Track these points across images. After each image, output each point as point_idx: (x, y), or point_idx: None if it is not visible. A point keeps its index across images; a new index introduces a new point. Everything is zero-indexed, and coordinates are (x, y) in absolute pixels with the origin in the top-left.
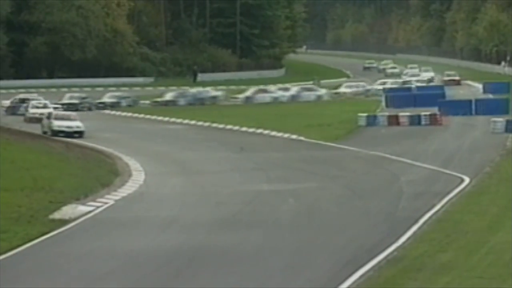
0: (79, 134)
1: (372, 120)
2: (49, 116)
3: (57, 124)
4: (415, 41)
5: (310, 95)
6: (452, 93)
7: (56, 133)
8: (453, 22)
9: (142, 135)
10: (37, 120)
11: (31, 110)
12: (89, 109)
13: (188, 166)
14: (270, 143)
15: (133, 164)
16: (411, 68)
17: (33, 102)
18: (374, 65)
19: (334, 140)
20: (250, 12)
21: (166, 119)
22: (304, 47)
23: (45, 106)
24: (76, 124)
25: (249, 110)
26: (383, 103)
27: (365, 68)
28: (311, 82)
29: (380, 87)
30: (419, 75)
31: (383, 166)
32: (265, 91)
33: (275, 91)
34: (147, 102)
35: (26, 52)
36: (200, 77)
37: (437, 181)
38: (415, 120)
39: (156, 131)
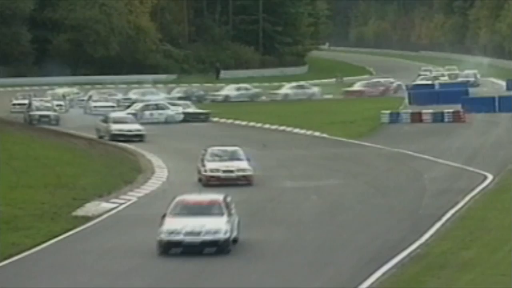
0: (140, 137)
1: (395, 117)
2: (106, 119)
3: (116, 127)
4: (438, 38)
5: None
6: (476, 90)
7: (115, 137)
8: (476, 19)
9: (164, 132)
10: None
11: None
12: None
13: None
14: (293, 140)
15: (156, 161)
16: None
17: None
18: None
19: (357, 137)
20: (273, 9)
21: None
22: (327, 44)
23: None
24: (136, 127)
25: (271, 107)
26: (406, 100)
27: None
28: (333, 80)
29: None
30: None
31: (406, 163)
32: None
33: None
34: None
35: (49, 49)
36: (223, 74)
37: (460, 178)
38: (438, 117)
39: (179, 128)
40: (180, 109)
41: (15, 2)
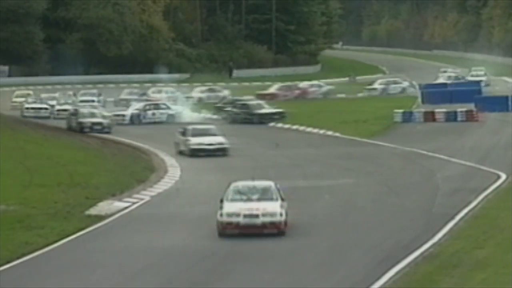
0: (223, 151)
1: (408, 117)
2: (184, 131)
3: (195, 141)
4: (451, 37)
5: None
6: (488, 89)
7: (195, 152)
8: (490, 18)
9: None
10: None
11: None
12: None
13: (224, 162)
14: (306, 139)
15: (169, 160)
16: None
17: None
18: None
19: (370, 137)
20: (286, 8)
21: (202, 115)
22: (340, 43)
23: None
24: (218, 140)
25: (285, 106)
26: (419, 99)
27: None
28: (346, 79)
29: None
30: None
31: (419, 163)
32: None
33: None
34: None
35: (62, 49)
36: (236, 73)
37: (474, 178)
38: (451, 117)
39: None
40: (180, 109)
41: (28, 1)
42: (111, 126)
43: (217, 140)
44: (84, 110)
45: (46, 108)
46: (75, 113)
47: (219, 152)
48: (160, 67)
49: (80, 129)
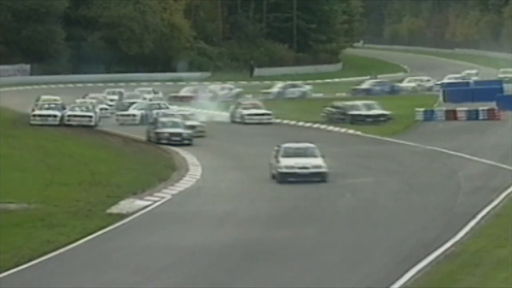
0: (321, 177)
1: (429, 115)
2: (277, 153)
3: (285, 163)
4: (473, 36)
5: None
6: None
7: (284, 177)
8: (511, 16)
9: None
10: None
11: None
12: None
13: (245, 161)
14: (327, 137)
15: (190, 158)
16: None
17: None
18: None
19: (391, 135)
20: (307, 7)
21: (224, 113)
22: (361, 41)
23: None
24: (314, 163)
25: (303, 104)
26: (441, 98)
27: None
28: (368, 77)
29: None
30: None
31: (441, 161)
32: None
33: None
34: None
35: (84, 47)
36: (257, 71)
37: (495, 176)
38: (473, 115)
39: (213, 125)
40: (175, 108)
41: (50, 0)
42: (191, 138)
43: (313, 162)
44: (164, 119)
45: (54, 116)
46: (154, 123)
47: (316, 177)
48: (180, 65)
49: (157, 140)
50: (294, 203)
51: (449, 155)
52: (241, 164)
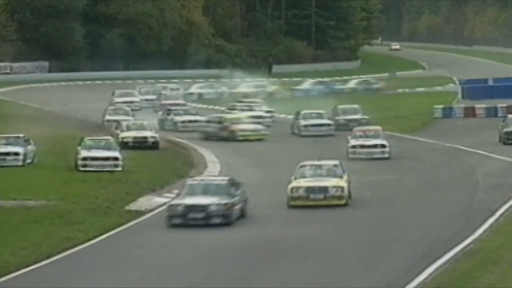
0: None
1: (448, 112)
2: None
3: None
4: (492, 33)
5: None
6: None
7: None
8: None
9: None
10: None
11: None
12: None
13: (263, 158)
14: (346, 135)
15: (209, 155)
16: None
17: None
18: None
19: (409, 132)
20: (326, 4)
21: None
22: (380, 38)
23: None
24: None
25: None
26: (459, 95)
27: None
28: (386, 74)
29: None
30: None
31: (459, 158)
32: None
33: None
34: None
35: (102, 44)
36: (275, 68)
37: None
38: (492, 112)
39: None
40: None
41: None
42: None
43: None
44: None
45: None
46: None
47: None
48: (197, 63)
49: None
50: None
51: (467, 152)
52: (259, 162)
